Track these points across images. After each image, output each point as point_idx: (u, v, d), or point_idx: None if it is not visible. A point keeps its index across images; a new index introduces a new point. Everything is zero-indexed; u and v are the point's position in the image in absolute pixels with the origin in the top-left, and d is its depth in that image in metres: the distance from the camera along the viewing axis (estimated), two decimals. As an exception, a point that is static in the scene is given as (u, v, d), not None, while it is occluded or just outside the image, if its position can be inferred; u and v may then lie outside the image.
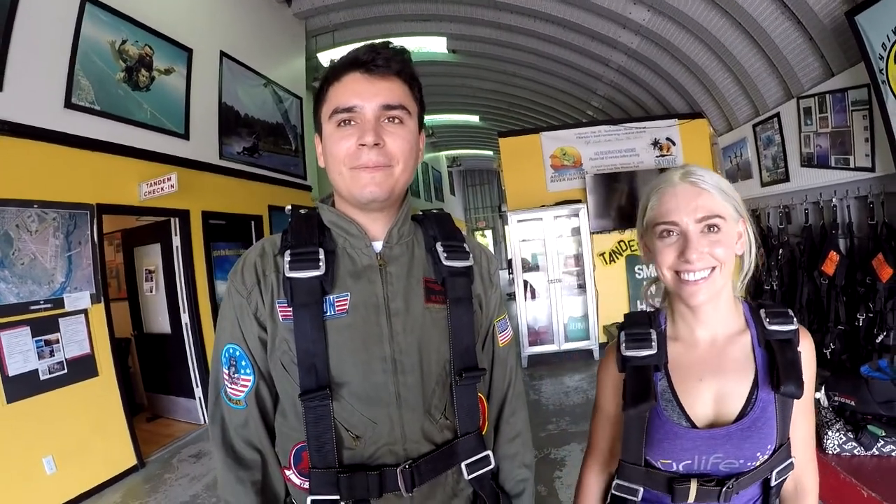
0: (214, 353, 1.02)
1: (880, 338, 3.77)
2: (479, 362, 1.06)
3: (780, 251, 5.17)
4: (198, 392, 5.23)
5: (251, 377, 0.98)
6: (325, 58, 7.67)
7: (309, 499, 0.94)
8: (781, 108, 5.07)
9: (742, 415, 0.96)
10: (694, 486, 0.96)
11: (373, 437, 0.95)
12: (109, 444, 4.02)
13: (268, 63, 6.45)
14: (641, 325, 1.06)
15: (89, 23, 3.95)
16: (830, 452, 2.87)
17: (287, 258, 0.95)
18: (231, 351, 0.99)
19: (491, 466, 1.05)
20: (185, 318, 5.18)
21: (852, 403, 2.93)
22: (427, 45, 8.08)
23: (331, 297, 0.96)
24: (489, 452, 1.05)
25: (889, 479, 2.59)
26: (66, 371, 3.70)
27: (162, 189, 4.42)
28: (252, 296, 0.98)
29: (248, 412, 0.99)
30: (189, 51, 5.02)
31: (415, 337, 0.99)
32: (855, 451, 2.83)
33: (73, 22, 3.85)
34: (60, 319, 3.71)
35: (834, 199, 4.47)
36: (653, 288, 1.14)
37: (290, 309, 0.94)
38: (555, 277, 6.70)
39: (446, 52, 8.23)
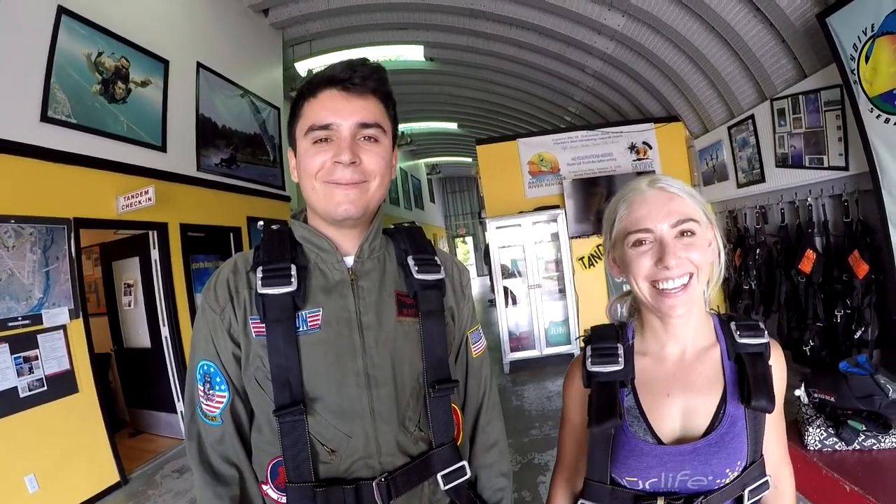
0: (189, 370, 1.03)
1: (858, 333, 3.87)
2: (452, 374, 1.07)
3: (758, 251, 5.27)
4: (179, 406, 5.15)
5: (226, 393, 0.99)
6: (303, 67, 7.66)
7: None
8: (756, 110, 5.17)
9: (710, 430, 0.94)
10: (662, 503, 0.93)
11: (348, 451, 0.96)
12: (91, 460, 3.95)
13: (245, 73, 6.43)
14: (609, 339, 1.03)
15: (65, 35, 3.90)
16: (812, 449, 2.93)
17: (259, 274, 0.96)
18: (205, 367, 0.99)
19: (467, 476, 1.05)
20: (164, 331, 5.11)
21: (832, 399, 2.99)
22: (404, 54, 8.09)
23: (303, 312, 0.97)
24: (465, 463, 1.06)
25: (871, 473, 2.64)
26: (45, 388, 3.63)
27: (139, 202, 4.37)
28: (225, 312, 0.98)
29: (224, 428, 0.99)
30: (165, 62, 4.98)
31: (387, 350, 1.00)
32: (836, 447, 2.89)
33: (48, 34, 3.80)
34: (39, 336, 3.64)
35: (809, 199, 4.56)
36: (618, 304, 1.10)
37: (263, 325, 0.95)
38: (535, 283, 6.74)
39: (423, 59, 8.25)
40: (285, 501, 0.95)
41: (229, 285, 1.00)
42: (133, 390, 5.56)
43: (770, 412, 0.93)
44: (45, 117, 3.77)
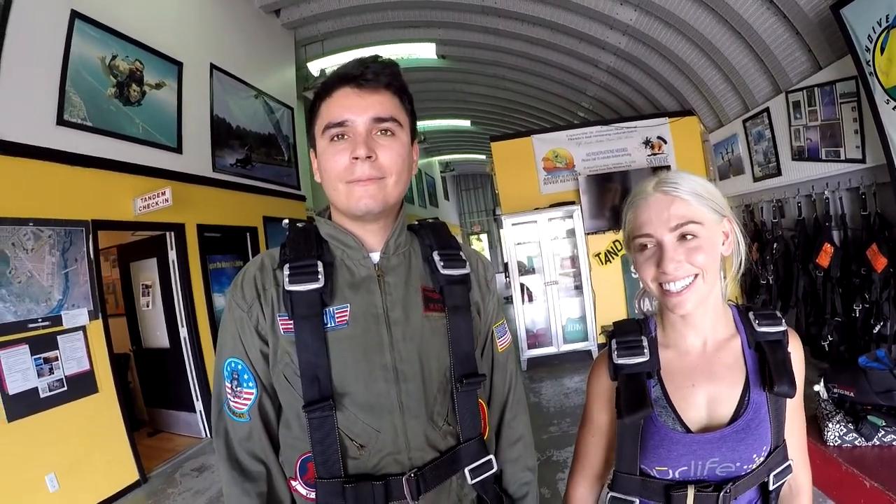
0: (216, 368, 1.03)
1: (877, 328, 3.81)
2: (479, 368, 1.07)
3: (775, 245, 5.20)
4: (198, 406, 5.21)
5: (254, 390, 0.99)
6: (315, 67, 7.70)
7: None
8: (770, 103, 5.11)
9: (735, 417, 0.95)
10: (691, 492, 0.94)
11: (377, 446, 0.96)
12: (111, 460, 4.01)
13: (258, 74, 6.47)
14: (632, 332, 1.04)
15: (79, 39, 3.96)
16: (832, 444, 2.89)
17: (286, 272, 0.96)
18: (233, 365, 1.00)
19: (494, 471, 1.06)
20: (183, 332, 5.17)
21: (851, 395, 2.95)
22: (416, 52, 8.09)
23: (331, 308, 0.97)
24: (491, 457, 1.06)
25: (891, 469, 2.60)
26: (66, 388, 3.69)
27: (157, 203, 4.42)
28: (253, 310, 0.99)
29: (252, 425, 1.00)
30: (179, 64, 5.03)
31: (415, 345, 1.00)
32: (856, 443, 2.84)
33: (62, 39, 3.86)
34: (59, 337, 3.71)
35: (826, 192, 4.50)
36: (645, 297, 1.12)
37: (291, 322, 0.95)
38: (551, 279, 6.71)
39: (435, 57, 8.25)
40: (314, 497, 0.95)
41: (256, 283, 1.00)
42: (152, 390, 5.64)
43: (792, 397, 0.94)
44: (61, 121, 3.83)
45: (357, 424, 0.96)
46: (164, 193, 4.39)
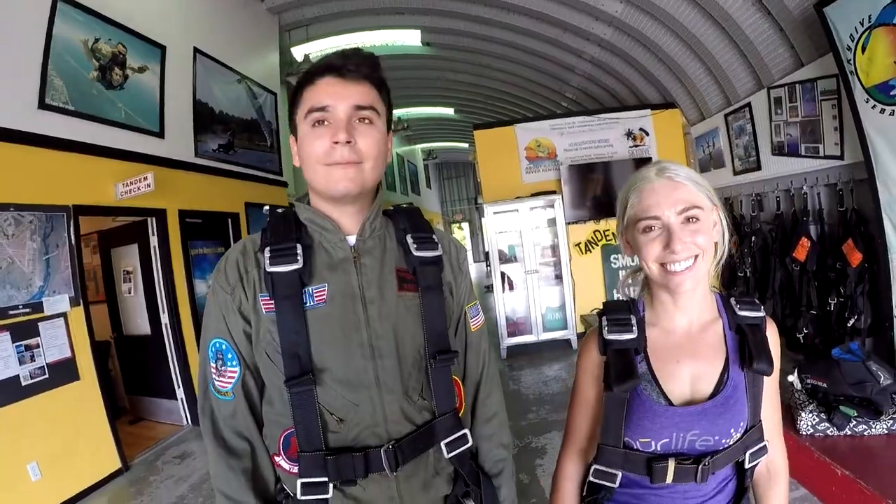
0: (201, 350, 1.07)
1: (852, 321, 3.92)
2: (452, 346, 1.12)
3: (753, 238, 5.30)
4: (180, 393, 5.18)
5: (237, 369, 1.04)
6: (299, 52, 7.59)
7: (298, 482, 0.99)
8: (752, 98, 5.19)
9: (715, 393, 1.02)
10: (672, 465, 1.00)
11: (355, 420, 1.01)
12: (93, 448, 3.98)
13: (241, 59, 6.37)
14: (622, 311, 1.11)
15: (61, 22, 3.86)
16: (804, 433, 3.01)
17: (267, 254, 1.01)
18: (217, 345, 1.05)
19: (469, 445, 1.11)
20: (164, 318, 5.12)
21: (824, 385, 3.05)
22: (401, 39, 8.02)
23: (310, 288, 1.02)
24: (466, 431, 1.11)
25: (862, 458, 2.71)
26: (47, 376, 3.64)
27: (138, 189, 4.36)
28: (236, 292, 1.03)
29: (236, 403, 1.04)
30: (162, 48, 4.93)
31: (390, 323, 1.05)
32: (828, 432, 2.96)
33: (45, 21, 3.76)
34: (40, 324, 3.65)
35: (804, 187, 4.59)
36: (629, 280, 1.19)
37: (273, 301, 1.00)
38: (531, 268, 6.77)
39: (420, 44, 8.19)
40: (297, 471, 0.99)
41: (239, 266, 1.05)
42: (133, 377, 5.59)
43: (769, 374, 1.02)
44: (42, 104, 3.74)
45: (336, 399, 1.00)
46: (145, 178, 4.33)
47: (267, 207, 1.12)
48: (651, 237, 1.01)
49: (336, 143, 0.98)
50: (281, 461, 1.04)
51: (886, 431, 2.86)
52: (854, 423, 2.90)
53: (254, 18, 6.69)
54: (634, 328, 1.06)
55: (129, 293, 5.33)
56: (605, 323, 1.09)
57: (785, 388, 3.19)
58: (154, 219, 4.98)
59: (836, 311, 4.12)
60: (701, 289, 1.06)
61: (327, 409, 1.00)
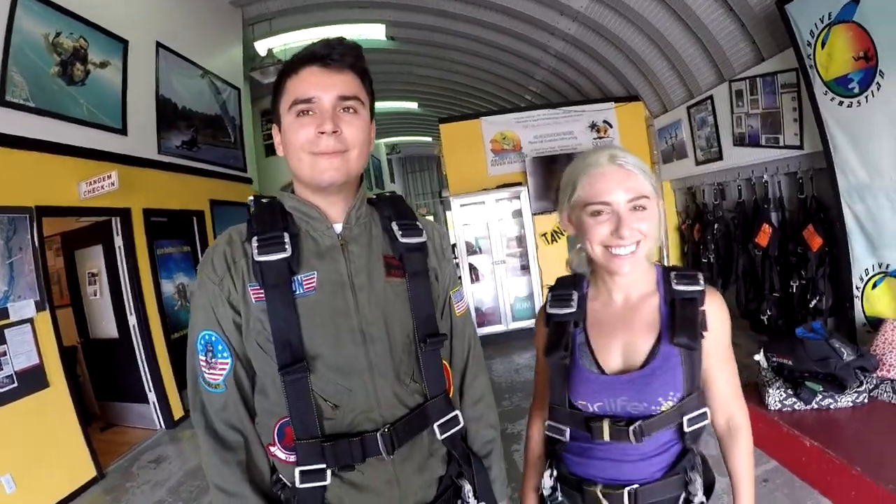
0: (189, 344, 1.07)
1: (813, 302, 4.09)
2: (440, 329, 1.15)
3: (716, 226, 5.48)
4: (151, 397, 5.06)
5: (228, 360, 1.04)
6: (263, 46, 7.45)
7: (297, 470, 1.00)
8: (714, 91, 5.33)
9: (644, 364, 1.09)
10: (606, 425, 1.09)
11: (350, 405, 1.02)
12: (67, 456, 3.86)
13: (205, 53, 6.21)
14: (567, 287, 1.21)
15: (22, 14, 3.69)
16: (773, 409, 3.16)
17: (255, 244, 1.01)
18: (207, 337, 1.04)
19: (461, 426, 1.15)
20: (132, 320, 4.98)
21: (790, 363, 3.21)
22: (366, 33, 7.95)
23: (299, 276, 1.03)
24: (457, 412, 1.15)
25: (828, 429, 2.87)
26: (16, 384, 3.50)
27: (102, 187, 4.23)
28: (224, 282, 1.03)
29: (228, 395, 1.04)
30: (125, 42, 4.76)
31: (379, 309, 1.07)
32: (795, 406, 3.12)
33: (5, 14, 3.59)
34: (6, 330, 3.50)
35: (765, 176, 4.76)
36: (575, 258, 1.24)
37: (262, 291, 1.00)
38: (499, 259, 6.85)
39: (385, 39, 8.15)
40: (294, 460, 1.00)
41: (226, 257, 1.05)
42: (102, 383, 5.41)
43: (692, 349, 1.07)
44: (2, 101, 3.58)
45: (330, 385, 1.02)
46: (109, 177, 4.20)
47: (251, 198, 1.13)
48: (600, 220, 1.08)
49: (322, 132, 0.99)
50: (276, 451, 1.05)
51: (851, 404, 3.02)
52: (820, 397, 3.05)
53: (217, 12, 6.52)
54: (574, 303, 1.17)
55: (95, 296, 5.17)
56: (549, 298, 1.22)
57: (751, 367, 3.34)
58: (119, 218, 4.84)
59: (799, 294, 4.29)
60: (639, 268, 1.13)
61: (321, 395, 1.01)
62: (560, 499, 1.20)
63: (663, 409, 1.07)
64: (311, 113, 1.00)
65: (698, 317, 1.08)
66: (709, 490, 1.16)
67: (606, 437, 1.09)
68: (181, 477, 4.05)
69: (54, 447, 3.75)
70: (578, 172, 1.12)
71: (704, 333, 1.08)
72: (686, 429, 1.10)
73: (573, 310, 1.16)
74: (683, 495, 1.12)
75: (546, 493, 1.22)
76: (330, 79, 1.01)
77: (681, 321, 1.07)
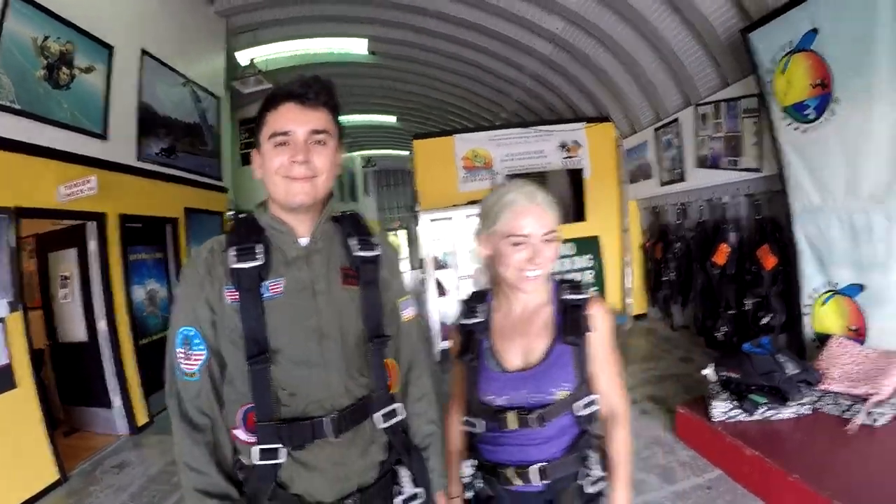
0: (169, 338, 1.22)
1: (766, 319, 4.27)
2: (386, 332, 1.32)
3: (678, 245, 5.66)
4: (116, 402, 5.01)
5: (204, 352, 1.19)
6: (245, 57, 7.51)
7: (256, 448, 1.16)
8: (681, 114, 5.54)
9: (542, 361, 1.33)
10: (512, 415, 1.30)
11: (305, 394, 1.19)
12: (31, 458, 3.82)
13: (188, 62, 6.24)
14: (476, 300, 1.47)
15: (13, 17, 3.72)
16: (716, 420, 3.32)
17: (232, 253, 1.19)
18: (186, 332, 1.20)
19: (401, 417, 1.32)
20: (101, 325, 4.94)
21: (737, 376, 3.38)
22: (348, 47, 8.10)
23: (268, 282, 1.20)
24: (397, 406, 1.32)
25: (770, 439, 3.01)
26: (-15, 384, 3.48)
27: (81, 191, 4.23)
28: (204, 284, 1.20)
29: (201, 384, 1.20)
30: (110, 48, 4.79)
31: (335, 312, 1.24)
32: (739, 418, 3.29)
33: (-4, 17, 3.62)
34: (-22, 329, 3.48)
35: (725, 197, 4.96)
36: (481, 276, 1.50)
37: (237, 293, 1.17)
38: (465, 274, 6.91)
39: (367, 53, 8.29)
40: (255, 440, 1.16)
41: (208, 262, 1.21)
42: (68, 387, 5.33)
43: (577, 346, 1.32)
44: (-12, 103, 3.60)
45: (289, 376, 1.18)
46: (88, 181, 4.22)
47: (231, 213, 1.32)
48: (518, 249, 1.30)
49: (294, 161, 1.17)
50: (239, 433, 1.20)
51: (795, 415, 3.17)
52: (763, 408, 3.20)
53: (202, 21, 6.57)
54: (479, 314, 1.42)
55: (66, 299, 5.11)
56: (460, 310, 1.47)
57: (700, 381, 3.56)
58: (94, 223, 4.82)
59: (753, 311, 4.46)
60: (539, 285, 1.36)
61: (281, 385, 1.18)
62: (480, 485, 1.39)
63: (559, 397, 1.30)
64: (287, 144, 1.18)
65: (583, 319, 1.32)
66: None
67: (514, 425, 1.30)
68: (144, 482, 4.04)
69: (19, 449, 3.72)
70: (502, 207, 1.33)
71: (588, 333, 1.32)
72: (578, 413, 1.32)
73: (480, 319, 1.41)
74: (583, 469, 1.34)
75: (466, 480, 1.41)
76: (304, 115, 1.19)
77: (570, 323, 1.32)
